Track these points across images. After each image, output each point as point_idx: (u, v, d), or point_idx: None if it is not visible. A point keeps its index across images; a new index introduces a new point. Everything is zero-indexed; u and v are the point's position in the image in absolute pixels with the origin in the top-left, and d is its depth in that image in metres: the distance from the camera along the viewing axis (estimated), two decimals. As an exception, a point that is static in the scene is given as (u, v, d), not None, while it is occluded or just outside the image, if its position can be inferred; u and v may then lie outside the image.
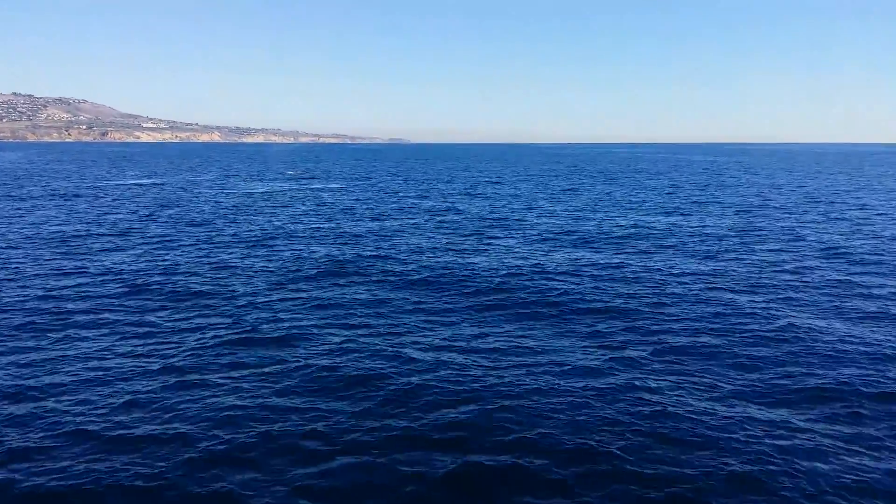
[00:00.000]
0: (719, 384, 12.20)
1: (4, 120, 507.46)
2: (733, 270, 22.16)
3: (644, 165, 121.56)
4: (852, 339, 14.67)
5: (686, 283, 20.17)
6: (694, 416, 10.72)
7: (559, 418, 10.70)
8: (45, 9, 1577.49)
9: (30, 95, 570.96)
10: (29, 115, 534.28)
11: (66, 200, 46.32)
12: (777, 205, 44.76)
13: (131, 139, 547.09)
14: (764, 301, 18.05)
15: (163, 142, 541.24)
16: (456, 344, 14.53)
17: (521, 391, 11.76)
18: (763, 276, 21.38)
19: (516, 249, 26.54)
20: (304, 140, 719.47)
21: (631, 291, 19.07)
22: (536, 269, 22.24)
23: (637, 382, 12.19)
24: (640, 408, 11.07)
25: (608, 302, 17.86)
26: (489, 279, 20.61)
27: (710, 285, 19.93)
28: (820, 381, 12.24)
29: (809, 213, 39.33)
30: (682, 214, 39.12)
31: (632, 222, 35.22)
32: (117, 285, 19.58)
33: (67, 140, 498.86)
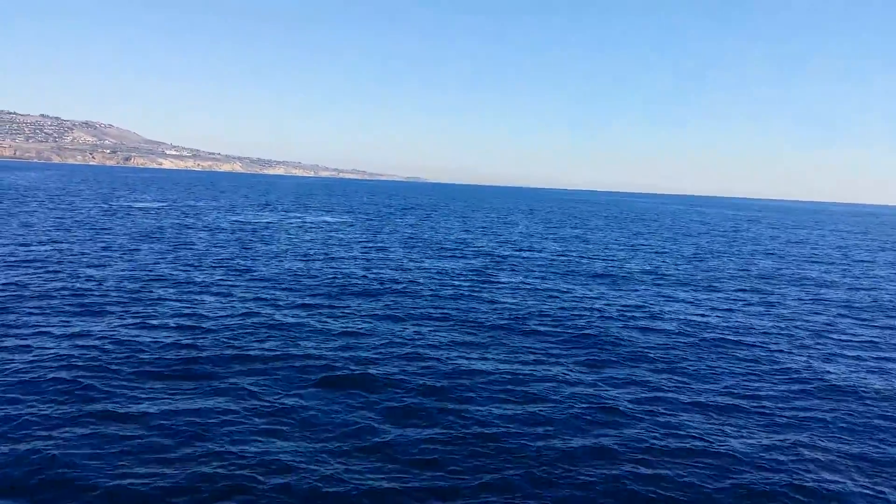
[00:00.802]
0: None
1: (31, 140, 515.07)
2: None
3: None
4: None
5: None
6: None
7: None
8: (80, 36, 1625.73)
9: (57, 118, 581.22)
10: (55, 137, 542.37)
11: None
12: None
13: (154, 165, 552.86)
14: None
15: (185, 169, 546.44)
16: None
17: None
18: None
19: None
20: (323, 174, 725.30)
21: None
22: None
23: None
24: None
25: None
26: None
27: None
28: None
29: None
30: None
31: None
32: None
33: (91, 163, 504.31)
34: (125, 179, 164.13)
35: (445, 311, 20.55)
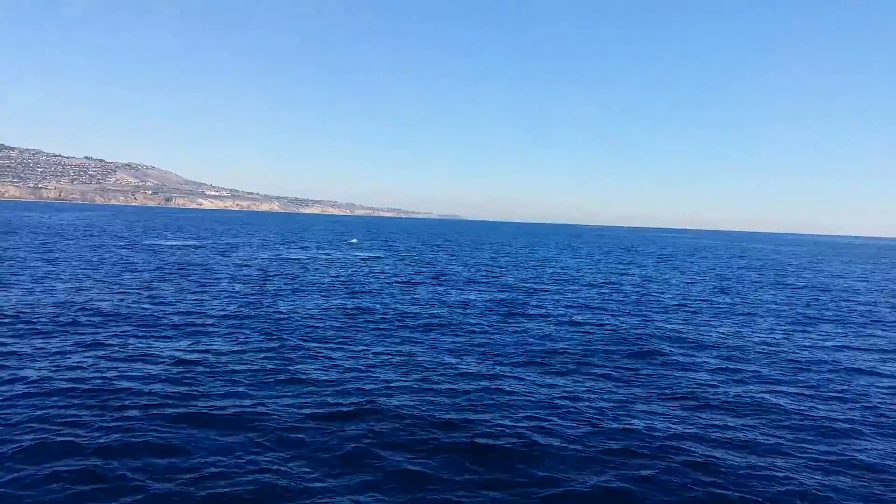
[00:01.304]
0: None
1: (76, 182, 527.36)
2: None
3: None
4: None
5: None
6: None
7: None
8: (124, 81, 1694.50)
9: (101, 160, 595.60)
10: (98, 179, 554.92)
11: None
12: None
13: (194, 206, 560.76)
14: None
15: (224, 209, 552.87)
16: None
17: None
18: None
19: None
20: (359, 213, 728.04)
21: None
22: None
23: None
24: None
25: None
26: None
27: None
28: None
29: None
30: None
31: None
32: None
33: (133, 204, 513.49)
34: (166, 219, 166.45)
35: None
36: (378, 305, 27.58)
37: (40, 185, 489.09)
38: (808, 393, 16.31)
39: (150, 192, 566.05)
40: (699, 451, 11.74)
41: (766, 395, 15.79)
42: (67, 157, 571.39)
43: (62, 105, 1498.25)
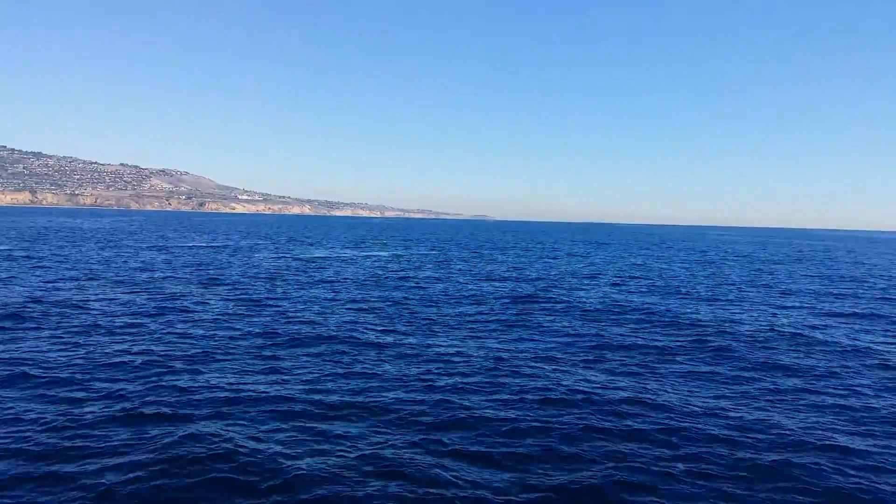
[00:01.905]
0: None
1: (111, 188, 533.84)
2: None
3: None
4: None
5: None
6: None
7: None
8: (159, 89, 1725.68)
9: (136, 166, 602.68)
10: (133, 185, 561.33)
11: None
12: None
13: (227, 210, 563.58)
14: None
15: (256, 213, 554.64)
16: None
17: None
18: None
19: None
20: (389, 214, 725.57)
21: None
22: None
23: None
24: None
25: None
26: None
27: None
28: None
29: None
30: None
31: None
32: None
33: (167, 209, 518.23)
34: (199, 222, 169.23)
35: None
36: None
37: (77, 192, 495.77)
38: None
39: (183, 197, 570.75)
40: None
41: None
42: (103, 164, 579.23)
43: (98, 113, 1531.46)
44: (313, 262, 50.07)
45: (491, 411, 12.94)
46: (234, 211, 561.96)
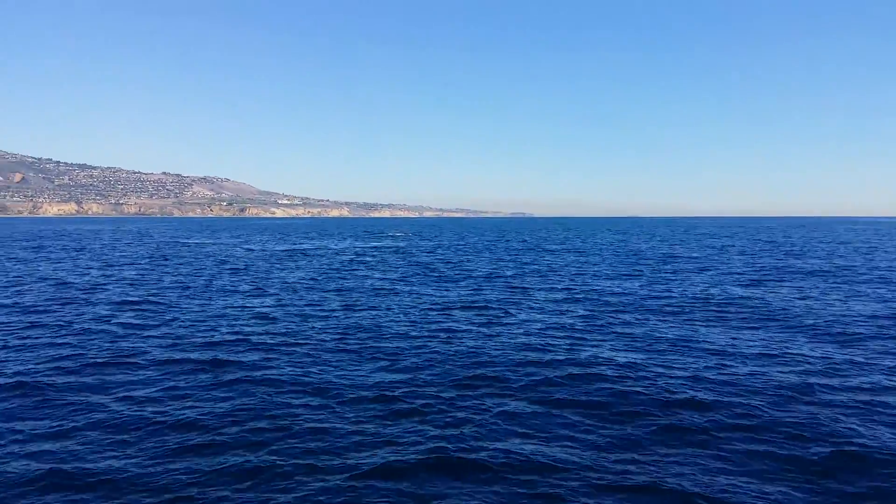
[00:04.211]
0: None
1: (154, 197, 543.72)
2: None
3: None
4: None
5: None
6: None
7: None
8: (200, 100, 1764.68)
9: (178, 174, 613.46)
10: (176, 193, 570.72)
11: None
12: None
13: (267, 215, 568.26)
14: None
15: (296, 217, 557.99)
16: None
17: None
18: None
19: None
20: (427, 215, 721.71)
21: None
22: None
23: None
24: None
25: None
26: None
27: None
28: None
29: None
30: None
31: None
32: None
33: (209, 216, 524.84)
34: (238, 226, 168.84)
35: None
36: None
37: (121, 202, 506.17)
38: None
39: (225, 203, 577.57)
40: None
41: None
42: (146, 174, 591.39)
43: (142, 124, 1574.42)
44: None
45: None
46: (274, 216, 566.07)
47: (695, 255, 50.73)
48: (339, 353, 15.01)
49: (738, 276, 32.44)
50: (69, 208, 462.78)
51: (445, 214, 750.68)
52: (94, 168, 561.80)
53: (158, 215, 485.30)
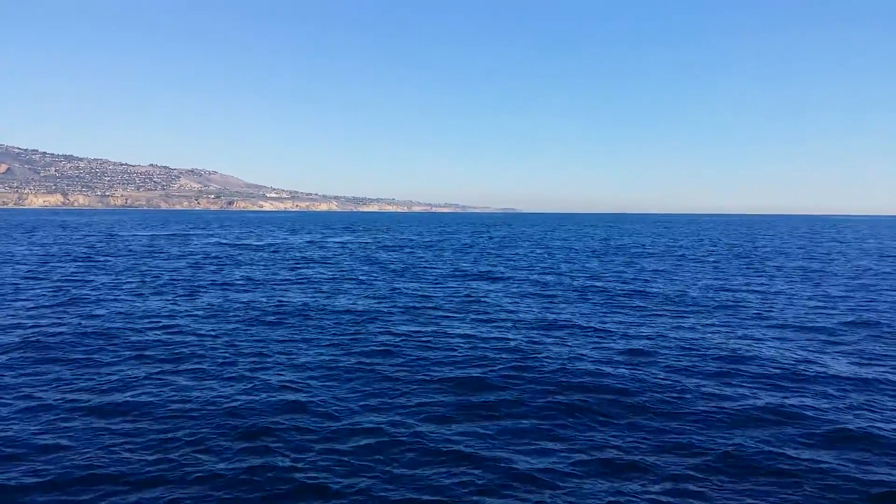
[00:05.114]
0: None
1: (141, 189, 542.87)
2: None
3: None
4: None
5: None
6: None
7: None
8: (185, 92, 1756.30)
9: (165, 167, 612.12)
10: (163, 185, 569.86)
11: None
12: None
13: (255, 208, 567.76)
14: None
15: (283, 210, 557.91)
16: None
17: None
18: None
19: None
20: (416, 209, 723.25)
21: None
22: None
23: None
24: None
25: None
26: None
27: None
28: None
29: None
30: None
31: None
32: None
33: (196, 208, 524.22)
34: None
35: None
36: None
37: (108, 194, 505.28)
38: None
39: (212, 196, 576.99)
40: None
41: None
42: (133, 165, 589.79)
43: (128, 115, 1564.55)
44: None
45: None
46: (262, 209, 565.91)
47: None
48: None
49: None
50: (55, 200, 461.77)
51: (434, 209, 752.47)
52: (81, 159, 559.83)
53: (145, 207, 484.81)
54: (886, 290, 27.70)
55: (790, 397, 11.81)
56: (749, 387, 12.54)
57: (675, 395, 11.96)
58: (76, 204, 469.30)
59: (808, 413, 10.87)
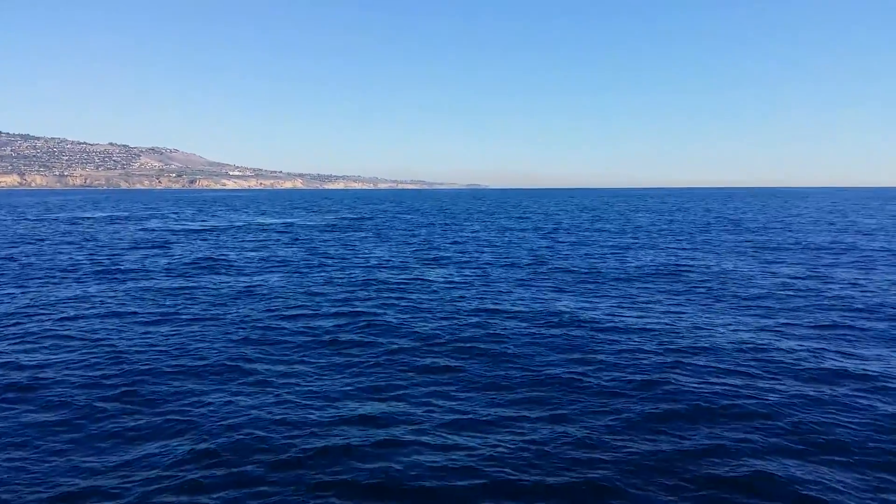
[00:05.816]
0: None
1: (101, 168, 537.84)
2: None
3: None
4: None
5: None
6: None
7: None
8: (146, 68, 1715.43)
9: (125, 145, 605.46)
10: (123, 164, 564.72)
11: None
12: None
13: (218, 186, 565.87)
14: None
15: (247, 188, 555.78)
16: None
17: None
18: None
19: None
20: (382, 186, 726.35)
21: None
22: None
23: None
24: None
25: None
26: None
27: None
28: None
29: None
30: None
31: None
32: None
33: (157, 188, 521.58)
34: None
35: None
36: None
37: (66, 173, 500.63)
38: None
39: (174, 175, 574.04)
40: None
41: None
42: (92, 144, 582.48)
43: (86, 93, 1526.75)
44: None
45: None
46: (225, 187, 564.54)
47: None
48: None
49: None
50: (11, 180, 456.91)
51: (400, 186, 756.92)
52: (38, 139, 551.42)
53: (105, 187, 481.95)
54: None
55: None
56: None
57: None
58: (33, 184, 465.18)
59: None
